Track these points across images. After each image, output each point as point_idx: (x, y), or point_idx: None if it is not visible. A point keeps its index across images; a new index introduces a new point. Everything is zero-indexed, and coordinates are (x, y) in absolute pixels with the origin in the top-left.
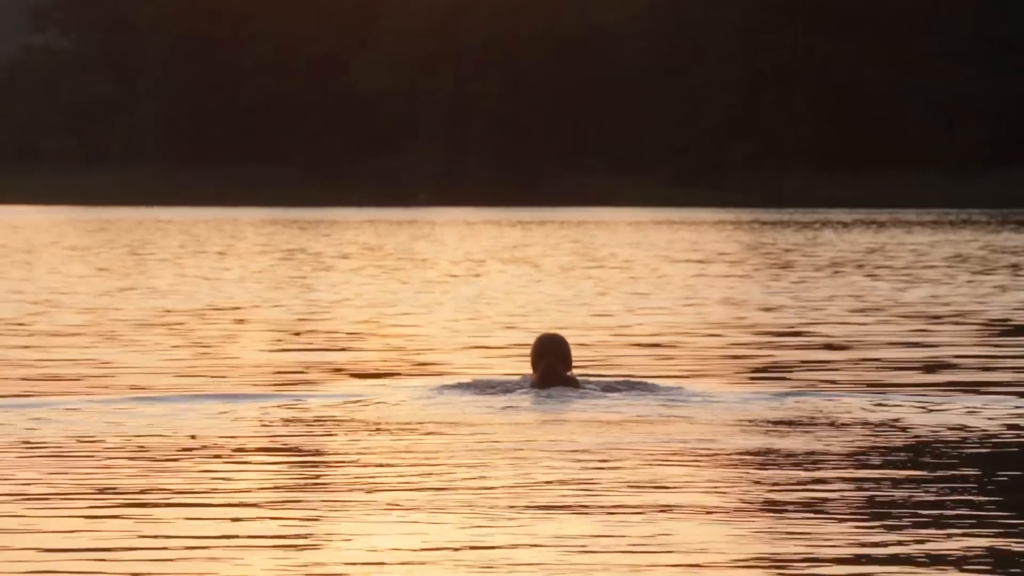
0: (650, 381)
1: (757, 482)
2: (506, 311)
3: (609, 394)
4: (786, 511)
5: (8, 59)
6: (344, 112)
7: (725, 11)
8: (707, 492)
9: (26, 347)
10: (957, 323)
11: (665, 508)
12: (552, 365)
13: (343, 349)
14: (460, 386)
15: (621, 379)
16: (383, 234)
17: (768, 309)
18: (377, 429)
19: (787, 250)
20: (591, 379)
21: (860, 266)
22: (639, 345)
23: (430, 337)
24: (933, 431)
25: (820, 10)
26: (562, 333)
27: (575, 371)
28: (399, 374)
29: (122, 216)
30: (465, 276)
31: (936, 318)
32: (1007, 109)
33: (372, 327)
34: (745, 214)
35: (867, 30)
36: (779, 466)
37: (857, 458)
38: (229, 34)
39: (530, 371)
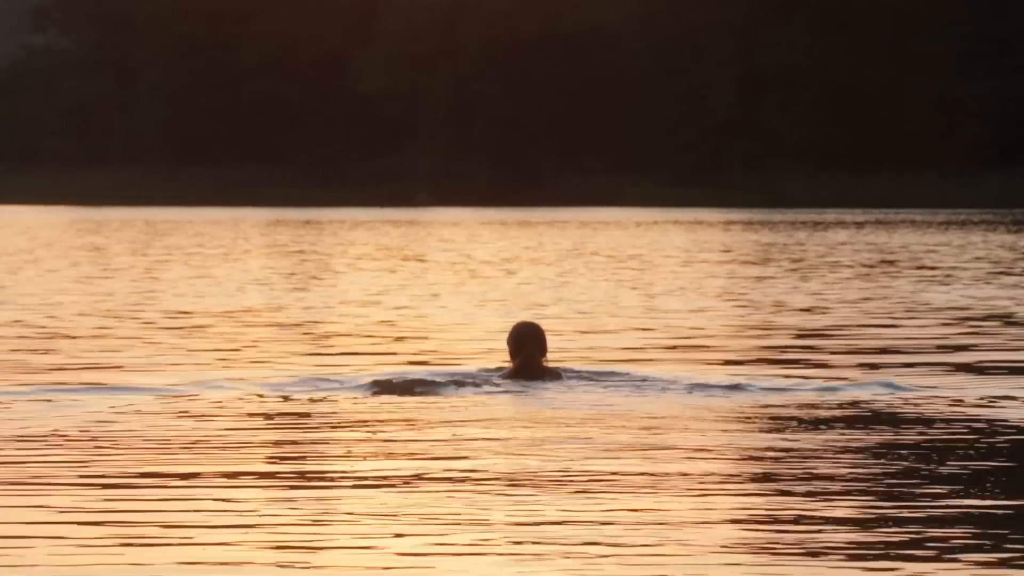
0: (629, 371)
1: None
2: (552, 313)
3: (588, 384)
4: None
5: (8, 59)
6: (344, 112)
7: (724, 11)
8: (688, 478)
9: (74, 351)
10: (1006, 324)
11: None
12: (531, 354)
13: (380, 353)
14: (440, 376)
15: (599, 369)
16: (393, 234)
17: (806, 310)
18: (356, 421)
19: (816, 251)
20: (567, 368)
21: (893, 266)
22: (689, 347)
23: (488, 341)
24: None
25: (820, 9)
26: (593, 328)
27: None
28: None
29: (123, 216)
30: (497, 277)
31: (981, 319)
32: (1007, 109)
33: (424, 329)
34: (748, 214)
35: (867, 30)
36: (737, 458)
37: (846, 454)
38: (229, 34)
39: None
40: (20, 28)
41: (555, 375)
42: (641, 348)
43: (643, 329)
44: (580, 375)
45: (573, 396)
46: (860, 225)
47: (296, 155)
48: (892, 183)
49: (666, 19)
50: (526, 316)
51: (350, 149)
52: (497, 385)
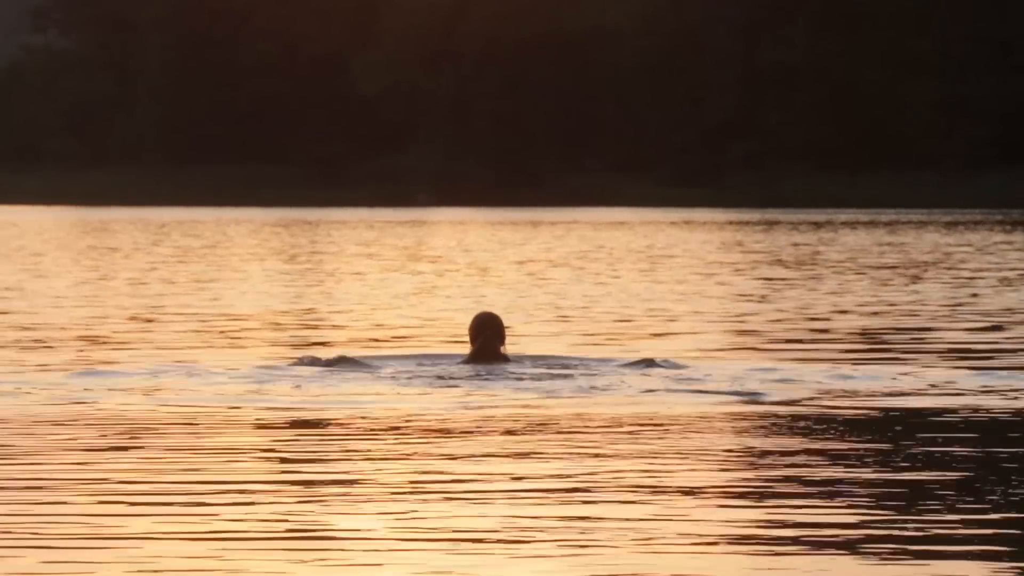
0: (581, 357)
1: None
2: (604, 315)
3: (542, 369)
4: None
5: (8, 59)
6: (344, 112)
7: (725, 10)
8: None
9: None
10: None
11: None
12: (489, 341)
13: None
14: (402, 360)
15: (553, 356)
16: (410, 235)
17: (851, 311)
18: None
19: (844, 252)
20: (523, 355)
21: (929, 267)
22: (763, 350)
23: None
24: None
25: (820, 9)
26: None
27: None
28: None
29: (126, 216)
30: (536, 279)
31: None
32: (1007, 109)
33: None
34: (760, 215)
35: (867, 30)
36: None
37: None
38: (229, 34)
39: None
40: (20, 28)
41: (511, 361)
42: (712, 349)
43: (699, 333)
44: (540, 363)
45: (515, 380)
46: (873, 225)
47: (296, 155)
48: (892, 183)
49: (666, 19)
50: (590, 318)
51: (350, 149)
52: (451, 368)
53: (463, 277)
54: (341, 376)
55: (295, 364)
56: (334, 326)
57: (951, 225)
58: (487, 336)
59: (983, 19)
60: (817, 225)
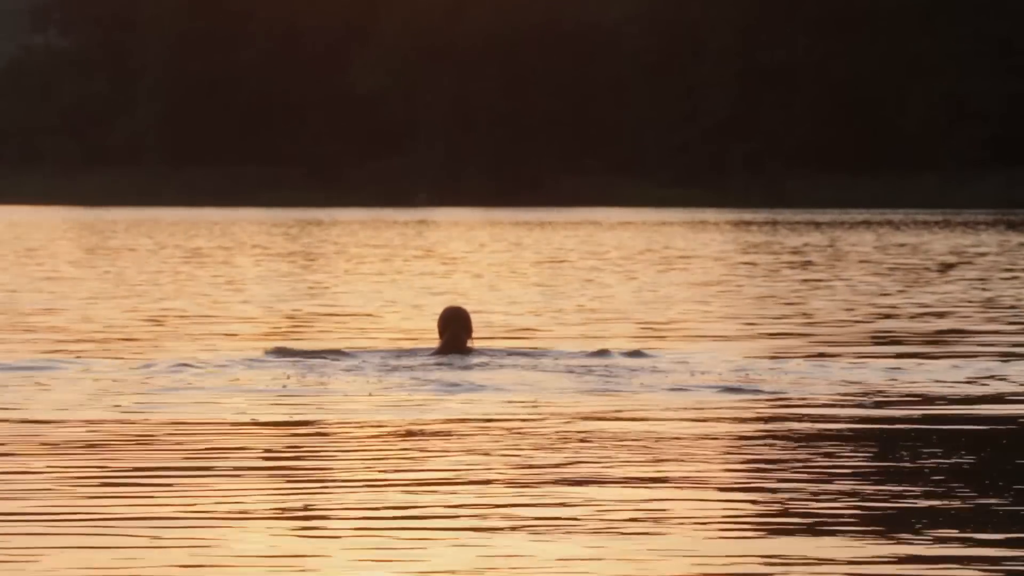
0: (541, 349)
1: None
2: (661, 317)
3: (505, 359)
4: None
5: (8, 59)
6: (344, 112)
7: (724, 10)
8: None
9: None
10: None
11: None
12: (456, 334)
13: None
14: (371, 353)
15: (517, 348)
16: (419, 236)
17: (913, 315)
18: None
19: (862, 252)
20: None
21: (953, 266)
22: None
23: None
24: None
25: (819, 9)
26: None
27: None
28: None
29: (129, 217)
30: (560, 279)
31: None
32: (1007, 109)
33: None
34: (770, 215)
35: (867, 30)
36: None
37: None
38: (229, 33)
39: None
40: (20, 28)
41: (478, 353)
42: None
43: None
44: (508, 354)
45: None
46: (880, 225)
47: (296, 156)
48: (892, 183)
49: (666, 18)
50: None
51: (350, 150)
52: (422, 359)
53: (494, 279)
54: (313, 368)
55: (270, 355)
56: (368, 327)
57: (960, 225)
58: (454, 329)
59: (983, 19)
60: (818, 225)
